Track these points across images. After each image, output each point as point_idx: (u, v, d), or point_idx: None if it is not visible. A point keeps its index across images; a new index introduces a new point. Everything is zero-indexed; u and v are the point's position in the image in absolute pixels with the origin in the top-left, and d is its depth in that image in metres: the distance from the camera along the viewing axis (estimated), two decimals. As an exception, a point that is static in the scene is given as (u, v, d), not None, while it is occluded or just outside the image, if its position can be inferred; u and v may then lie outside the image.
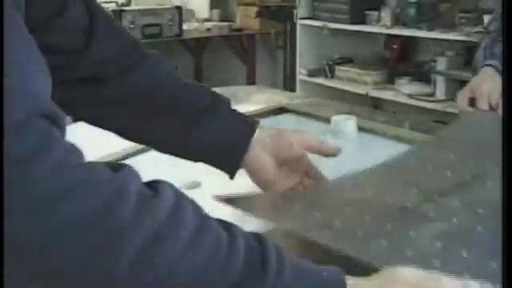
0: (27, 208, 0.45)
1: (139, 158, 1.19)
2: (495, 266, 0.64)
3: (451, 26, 3.28)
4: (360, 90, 3.67)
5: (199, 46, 4.88)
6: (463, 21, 3.24)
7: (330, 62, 3.96)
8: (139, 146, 1.14)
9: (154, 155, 0.99)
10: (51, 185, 0.46)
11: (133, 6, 4.26)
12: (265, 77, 4.76)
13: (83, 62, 0.82)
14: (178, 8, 4.25)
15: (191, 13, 4.73)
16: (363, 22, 3.68)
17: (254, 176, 0.87)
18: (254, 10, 4.45)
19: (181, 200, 0.51)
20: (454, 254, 0.68)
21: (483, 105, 1.28)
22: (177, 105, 0.84)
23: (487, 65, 1.36)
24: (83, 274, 0.47)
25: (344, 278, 0.54)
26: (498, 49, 1.37)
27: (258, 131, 0.85)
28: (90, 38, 0.81)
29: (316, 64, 4.02)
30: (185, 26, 4.32)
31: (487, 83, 1.31)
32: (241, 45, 4.70)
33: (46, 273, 0.47)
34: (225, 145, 0.84)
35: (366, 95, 3.60)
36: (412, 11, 3.46)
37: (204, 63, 5.00)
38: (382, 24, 3.57)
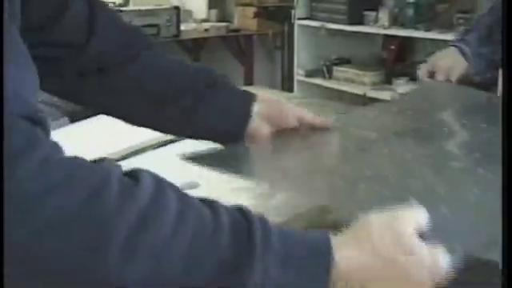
0: (17, 206, 0.46)
1: (139, 158, 1.19)
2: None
3: (449, 27, 3.28)
4: (358, 90, 3.67)
5: (197, 46, 4.88)
6: (461, 21, 3.25)
7: (328, 63, 3.96)
8: (138, 147, 1.14)
9: (153, 155, 0.99)
10: (38, 181, 0.46)
11: (131, 7, 4.26)
12: (263, 77, 4.76)
13: (84, 55, 0.84)
14: (176, 8, 4.25)
15: (189, 13, 4.73)
16: (361, 23, 3.68)
17: (252, 142, 0.92)
18: (251, 10, 4.44)
19: (161, 185, 0.52)
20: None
21: (440, 77, 1.41)
22: (178, 88, 0.88)
23: (452, 45, 1.51)
24: (76, 267, 0.47)
25: (330, 241, 0.54)
26: (469, 37, 1.50)
27: (256, 103, 0.91)
28: (90, 32, 0.83)
29: (314, 64, 4.03)
30: (183, 27, 4.31)
31: (446, 59, 1.45)
32: (238, 45, 4.70)
33: (44, 270, 0.48)
34: (227, 121, 0.89)
35: (364, 96, 3.61)
36: (410, 12, 3.46)
37: (202, 63, 4.99)
38: (379, 24, 3.57)
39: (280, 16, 4.23)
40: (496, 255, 0.59)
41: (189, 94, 0.88)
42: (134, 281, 0.48)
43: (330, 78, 3.94)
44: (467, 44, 1.48)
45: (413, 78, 3.56)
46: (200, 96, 0.88)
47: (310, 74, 4.02)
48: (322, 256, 0.53)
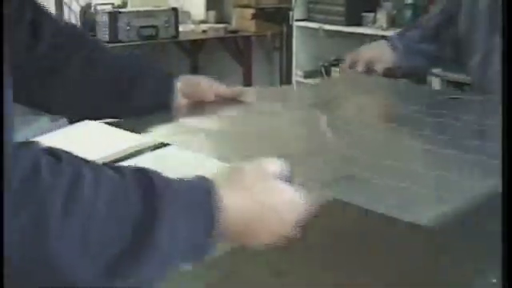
0: None
1: (139, 158, 1.19)
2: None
3: (447, 28, 3.29)
4: (356, 91, 3.68)
5: (195, 47, 4.89)
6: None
7: (326, 64, 3.96)
8: (138, 148, 1.15)
9: (152, 157, 0.99)
10: None
11: (129, 8, 4.26)
12: (261, 78, 4.77)
13: (32, 59, 0.97)
14: (174, 10, 4.25)
15: (187, 14, 4.73)
16: (359, 24, 3.69)
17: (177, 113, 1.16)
18: (249, 11, 4.45)
19: (76, 159, 0.59)
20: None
21: (359, 67, 1.50)
22: (117, 77, 1.09)
23: (384, 38, 1.60)
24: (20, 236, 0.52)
25: (216, 190, 0.64)
26: (411, 33, 1.57)
27: (178, 83, 1.15)
28: (36, 36, 0.97)
29: (312, 65, 4.03)
30: (181, 28, 4.32)
31: (372, 51, 1.55)
32: (237, 47, 4.71)
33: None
34: (157, 100, 1.13)
35: (362, 97, 3.61)
36: (408, 13, 3.47)
37: (200, 65, 5.00)
38: (377, 26, 3.58)
39: (278, 17, 4.23)
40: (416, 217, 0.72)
41: (125, 81, 1.09)
42: (72, 238, 0.54)
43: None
44: (405, 39, 1.54)
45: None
46: (133, 82, 1.10)
47: (309, 74, 4.02)
48: (213, 199, 0.63)
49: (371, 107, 1.38)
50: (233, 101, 1.21)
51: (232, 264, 0.83)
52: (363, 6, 3.69)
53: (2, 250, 0.48)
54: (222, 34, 4.54)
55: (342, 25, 3.72)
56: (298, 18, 4.01)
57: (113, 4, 4.26)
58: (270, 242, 0.68)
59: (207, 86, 1.20)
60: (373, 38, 3.75)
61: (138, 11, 4.13)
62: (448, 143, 1.00)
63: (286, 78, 4.27)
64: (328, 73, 3.94)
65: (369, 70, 1.48)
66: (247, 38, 4.67)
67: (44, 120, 3.80)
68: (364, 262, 0.85)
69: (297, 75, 4.08)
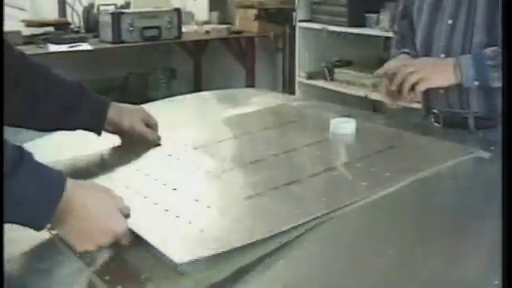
0: None
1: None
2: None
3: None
4: (359, 92, 3.68)
5: (198, 48, 4.89)
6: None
7: (329, 65, 3.96)
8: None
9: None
10: None
11: (132, 9, 4.26)
12: (264, 79, 4.77)
13: None
14: (177, 10, 4.26)
15: (190, 15, 4.73)
16: (362, 25, 3.68)
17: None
18: (253, 12, 4.45)
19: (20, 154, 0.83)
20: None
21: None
22: (56, 97, 1.24)
23: (403, 52, 1.59)
24: None
25: (64, 178, 0.86)
26: (407, 42, 1.61)
27: (110, 109, 1.30)
28: None
29: (315, 66, 4.03)
30: (184, 29, 4.32)
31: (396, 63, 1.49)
32: (240, 47, 4.71)
33: None
34: (89, 122, 1.28)
35: (365, 97, 3.61)
36: (411, 14, 3.46)
37: (203, 66, 5.00)
38: (381, 27, 3.57)
39: (281, 18, 4.23)
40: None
41: (62, 109, 1.25)
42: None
43: (332, 79, 3.94)
44: (409, 47, 1.59)
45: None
46: (69, 110, 1.25)
47: (312, 75, 4.02)
48: (64, 179, 0.86)
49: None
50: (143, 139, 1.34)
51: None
52: (366, 7, 3.68)
53: (1, 249, 0.48)
54: (224, 34, 4.54)
55: (345, 26, 3.72)
56: (301, 18, 4.00)
57: (116, 5, 4.26)
58: (88, 244, 0.87)
59: (130, 118, 1.32)
60: (376, 38, 3.75)
61: (141, 12, 4.13)
62: None
63: (289, 79, 4.27)
64: (331, 74, 3.94)
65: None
66: (250, 39, 4.67)
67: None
68: None
69: (300, 76, 4.07)
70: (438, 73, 1.38)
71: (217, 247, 0.84)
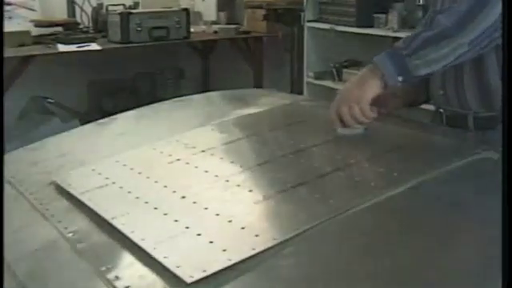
0: None
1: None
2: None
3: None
4: (367, 92, 3.66)
5: (206, 48, 4.89)
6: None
7: (338, 65, 3.96)
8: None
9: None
10: None
11: (140, 9, 4.27)
12: (272, 79, 4.76)
13: None
14: (186, 10, 4.26)
15: (198, 15, 4.74)
16: (370, 25, 3.68)
17: None
18: (261, 12, 4.44)
19: None
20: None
21: None
22: None
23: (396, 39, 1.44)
24: None
25: None
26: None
27: None
28: None
29: (323, 67, 4.02)
30: (192, 29, 4.33)
31: None
32: (248, 47, 4.70)
33: None
34: None
35: (373, 98, 3.59)
36: (419, 14, 3.45)
37: (211, 66, 5.00)
38: (389, 27, 3.57)
39: (289, 18, 4.23)
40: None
41: None
42: None
43: (340, 80, 3.93)
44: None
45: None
46: None
47: (320, 76, 4.02)
48: None
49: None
50: None
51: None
52: (374, 8, 3.68)
53: (1, 249, 0.48)
54: (233, 34, 4.54)
55: (354, 26, 3.71)
56: (310, 18, 4.00)
57: (124, 5, 4.27)
58: None
59: None
60: (384, 39, 3.74)
61: (149, 12, 4.14)
62: None
63: (298, 79, 4.27)
64: (339, 74, 3.93)
65: None
66: (258, 39, 4.67)
67: (56, 121, 3.83)
68: None
69: (308, 76, 4.07)
70: (364, 85, 1.33)
71: (225, 259, 0.84)
